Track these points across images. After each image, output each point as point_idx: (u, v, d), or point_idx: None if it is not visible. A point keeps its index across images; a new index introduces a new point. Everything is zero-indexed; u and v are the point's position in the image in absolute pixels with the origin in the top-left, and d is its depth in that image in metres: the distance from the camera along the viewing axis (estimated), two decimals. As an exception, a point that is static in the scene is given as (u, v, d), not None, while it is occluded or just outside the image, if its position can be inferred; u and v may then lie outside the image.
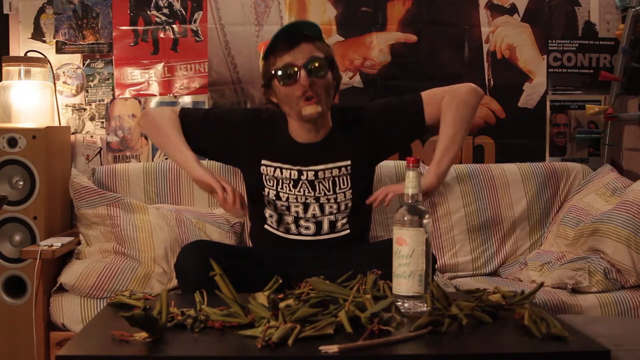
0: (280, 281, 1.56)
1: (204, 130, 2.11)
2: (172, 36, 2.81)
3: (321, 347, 1.28)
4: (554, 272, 2.32)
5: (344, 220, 2.08)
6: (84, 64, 2.81)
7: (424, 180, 1.93)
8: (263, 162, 2.05)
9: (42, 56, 2.73)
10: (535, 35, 2.92)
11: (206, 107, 2.81)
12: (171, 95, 2.82)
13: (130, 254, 2.30)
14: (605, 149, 2.93)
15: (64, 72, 2.81)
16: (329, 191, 2.04)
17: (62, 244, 2.29)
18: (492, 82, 2.91)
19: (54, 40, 2.79)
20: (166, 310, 1.39)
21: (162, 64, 2.82)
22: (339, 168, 2.04)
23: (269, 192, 2.06)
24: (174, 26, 2.81)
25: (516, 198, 2.68)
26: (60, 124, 2.77)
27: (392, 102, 2.14)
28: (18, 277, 2.34)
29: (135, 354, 1.30)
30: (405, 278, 1.50)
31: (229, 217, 2.51)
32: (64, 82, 2.81)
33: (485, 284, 2.39)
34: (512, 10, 2.90)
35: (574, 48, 2.95)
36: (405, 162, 1.56)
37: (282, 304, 1.45)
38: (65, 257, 2.36)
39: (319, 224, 2.06)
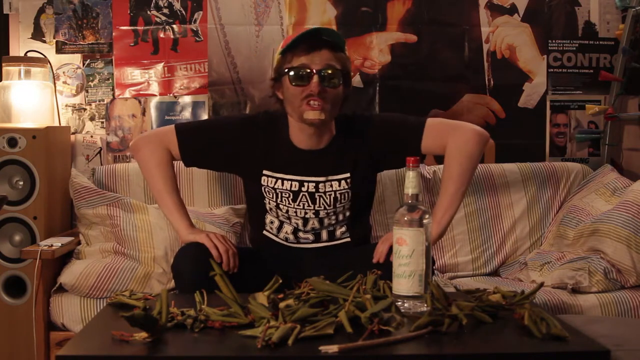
0: (280, 281, 1.56)
1: (200, 145, 2.07)
2: (172, 36, 2.81)
3: (321, 347, 1.28)
4: (554, 272, 2.32)
5: (343, 229, 2.07)
6: (84, 64, 2.81)
7: None
8: (264, 172, 2.03)
9: (42, 56, 2.73)
10: (535, 35, 2.92)
11: (206, 107, 2.81)
12: (171, 95, 2.82)
13: (130, 254, 2.30)
14: (605, 149, 2.93)
15: (64, 72, 2.81)
16: (329, 205, 2.02)
17: (62, 244, 2.29)
18: (492, 82, 2.91)
19: (54, 40, 2.79)
20: (166, 310, 1.39)
21: (162, 64, 2.82)
22: (339, 181, 2.02)
23: (269, 202, 2.06)
24: (174, 26, 2.81)
25: (516, 198, 2.68)
26: (60, 124, 2.77)
27: (395, 119, 2.09)
28: (18, 277, 2.34)
29: (135, 354, 1.30)
30: (405, 278, 1.50)
31: (228, 217, 2.51)
32: (64, 82, 2.81)
33: (485, 284, 2.39)
34: (512, 10, 2.90)
35: (574, 48, 2.95)
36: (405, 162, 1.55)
37: (282, 304, 1.45)
38: (65, 257, 2.36)
39: (317, 235, 2.06)
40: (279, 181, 2.02)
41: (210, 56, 2.82)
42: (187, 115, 2.82)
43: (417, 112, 2.25)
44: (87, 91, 2.82)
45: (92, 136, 2.82)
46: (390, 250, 1.69)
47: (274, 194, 2.03)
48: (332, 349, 1.27)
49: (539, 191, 2.69)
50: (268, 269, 1.76)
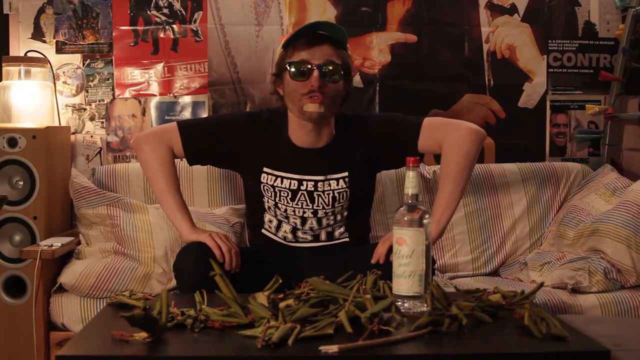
0: (280, 281, 1.56)
1: (203, 143, 2.07)
2: (172, 36, 2.81)
3: (321, 347, 1.28)
4: (554, 272, 2.32)
5: (342, 229, 2.07)
6: (84, 64, 2.81)
7: None
8: (265, 169, 2.03)
9: (42, 56, 2.73)
10: (535, 35, 2.92)
11: (206, 106, 2.81)
12: (171, 95, 2.82)
13: (130, 254, 2.30)
14: (605, 149, 2.93)
15: (64, 72, 2.81)
16: (327, 205, 2.02)
17: (62, 244, 2.29)
18: (492, 82, 2.91)
19: (54, 40, 2.79)
20: (166, 310, 1.39)
21: (162, 64, 2.82)
22: (338, 180, 2.02)
23: (267, 200, 2.06)
24: (174, 26, 2.81)
25: (516, 198, 2.68)
26: (60, 124, 2.77)
27: (393, 118, 2.09)
28: (18, 277, 2.34)
29: (135, 354, 1.30)
30: (405, 278, 1.50)
31: (229, 217, 2.51)
32: (64, 82, 2.81)
33: (485, 284, 2.39)
34: (512, 10, 2.90)
35: (574, 48, 2.95)
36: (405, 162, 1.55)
37: (282, 304, 1.45)
38: (65, 257, 2.36)
39: (316, 236, 2.06)
40: (278, 179, 2.02)
41: (210, 56, 2.82)
42: (187, 115, 2.82)
43: (417, 112, 2.25)
44: (87, 91, 2.82)
45: (92, 136, 2.82)
46: (390, 250, 1.69)
47: (273, 193, 2.03)
48: (332, 349, 1.27)
49: (539, 191, 2.70)
50: (268, 269, 1.76)
